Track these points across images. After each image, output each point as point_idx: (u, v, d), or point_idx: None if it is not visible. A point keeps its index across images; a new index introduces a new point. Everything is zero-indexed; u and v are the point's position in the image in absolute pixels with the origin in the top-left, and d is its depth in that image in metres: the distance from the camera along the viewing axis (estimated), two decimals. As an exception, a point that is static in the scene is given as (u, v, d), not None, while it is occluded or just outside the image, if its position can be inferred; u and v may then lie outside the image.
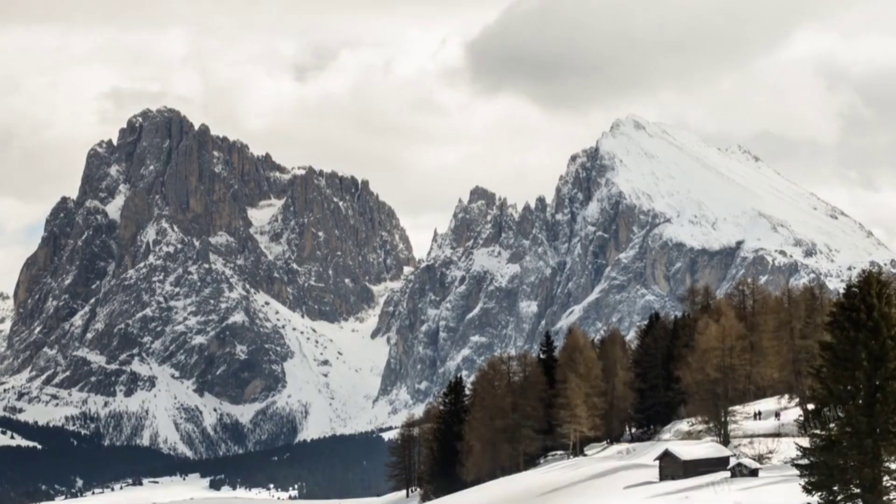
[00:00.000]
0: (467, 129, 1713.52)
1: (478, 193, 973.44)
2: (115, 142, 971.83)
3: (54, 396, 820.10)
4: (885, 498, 65.54)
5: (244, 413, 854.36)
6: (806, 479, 67.76)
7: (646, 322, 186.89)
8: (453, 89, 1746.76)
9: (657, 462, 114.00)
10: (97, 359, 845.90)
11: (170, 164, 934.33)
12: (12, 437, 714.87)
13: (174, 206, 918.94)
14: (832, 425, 66.35)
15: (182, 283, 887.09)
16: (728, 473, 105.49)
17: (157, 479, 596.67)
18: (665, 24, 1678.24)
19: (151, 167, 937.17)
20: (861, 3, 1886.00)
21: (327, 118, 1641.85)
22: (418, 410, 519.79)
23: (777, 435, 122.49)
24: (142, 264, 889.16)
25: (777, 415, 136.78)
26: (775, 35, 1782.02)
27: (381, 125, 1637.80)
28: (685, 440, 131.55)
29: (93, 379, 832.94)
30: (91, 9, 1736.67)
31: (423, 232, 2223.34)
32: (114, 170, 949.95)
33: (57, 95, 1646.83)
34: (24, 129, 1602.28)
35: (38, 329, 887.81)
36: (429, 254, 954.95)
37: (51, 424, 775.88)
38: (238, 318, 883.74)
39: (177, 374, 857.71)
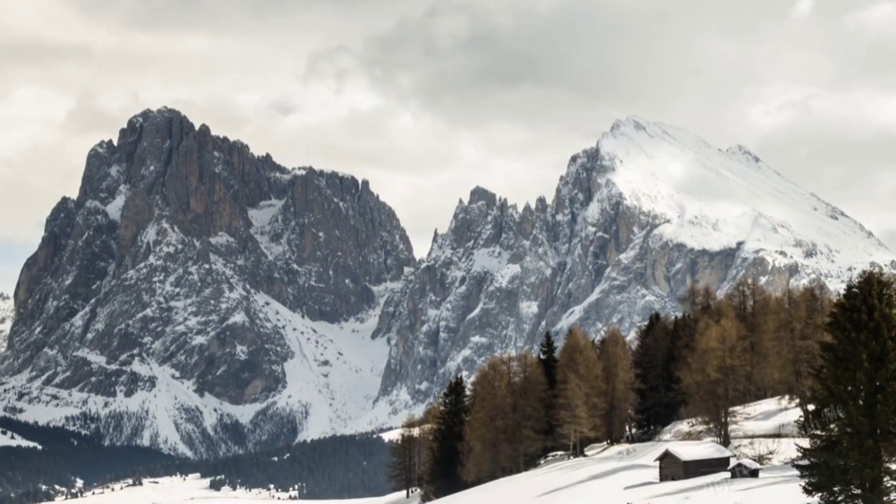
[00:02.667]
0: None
1: (478, 194, 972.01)
2: (115, 142, 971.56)
3: (54, 396, 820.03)
4: (885, 498, 65.49)
5: (244, 413, 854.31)
6: (806, 480, 67.70)
7: (646, 323, 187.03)
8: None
9: (657, 462, 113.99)
10: (97, 359, 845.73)
11: (170, 165, 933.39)
12: (12, 437, 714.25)
13: (174, 206, 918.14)
14: (833, 426, 66.28)
15: (182, 283, 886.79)
16: (728, 474, 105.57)
17: (157, 479, 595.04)
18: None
19: (152, 167, 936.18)
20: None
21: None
22: (419, 411, 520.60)
23: (777, 436, 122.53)
24: (142, 264, 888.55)
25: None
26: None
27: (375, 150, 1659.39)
28: (685, 441, 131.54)
29: (93, 379, 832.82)
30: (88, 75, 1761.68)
31: (422, 232, 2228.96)
32: (114, 170, 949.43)
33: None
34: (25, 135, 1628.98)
35: (38, 329, 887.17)
36: (429, 254, 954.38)
37: (51, 424, 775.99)
38: (238, 318, 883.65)
39: (177, 374, 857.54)
